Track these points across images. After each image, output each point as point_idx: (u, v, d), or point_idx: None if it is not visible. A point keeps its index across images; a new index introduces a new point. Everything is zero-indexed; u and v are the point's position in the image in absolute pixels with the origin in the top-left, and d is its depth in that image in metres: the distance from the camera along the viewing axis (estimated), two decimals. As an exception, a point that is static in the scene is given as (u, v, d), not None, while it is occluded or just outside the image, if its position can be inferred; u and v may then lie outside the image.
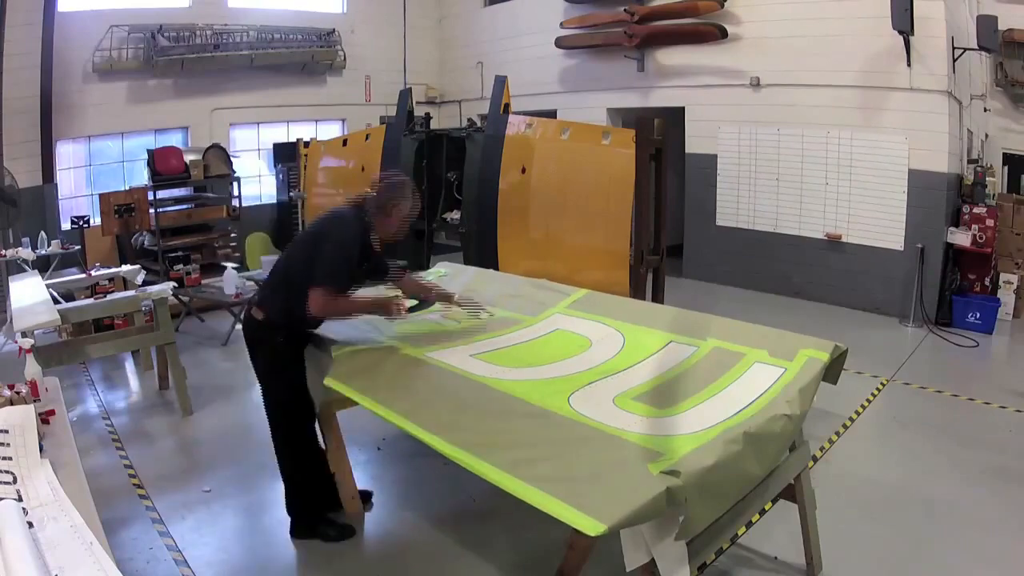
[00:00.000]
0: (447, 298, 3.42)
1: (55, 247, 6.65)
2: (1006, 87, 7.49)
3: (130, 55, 8.25)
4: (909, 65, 6.43)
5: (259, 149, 9.88)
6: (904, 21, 6.09)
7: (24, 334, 3.44)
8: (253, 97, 9.36)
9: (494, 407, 2.39)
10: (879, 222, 6.90)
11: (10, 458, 1.86)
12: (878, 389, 5.04)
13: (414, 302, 3.37)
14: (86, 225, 7.24)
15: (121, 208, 7.21)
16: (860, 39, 6.74)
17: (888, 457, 4.04)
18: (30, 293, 4.40)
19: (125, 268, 5.75)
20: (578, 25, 8.96)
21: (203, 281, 6.58)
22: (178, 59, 8.41)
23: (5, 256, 6.43)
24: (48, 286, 4.77)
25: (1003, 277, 6.74)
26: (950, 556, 3.01)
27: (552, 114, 9.15)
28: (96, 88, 8.12)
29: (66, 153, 8.19)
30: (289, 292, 2.89)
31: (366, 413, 2.52)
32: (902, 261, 6.73)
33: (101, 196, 7.35)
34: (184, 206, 8.15)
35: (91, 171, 8.52)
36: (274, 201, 9.69)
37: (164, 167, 7.51)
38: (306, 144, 8.74)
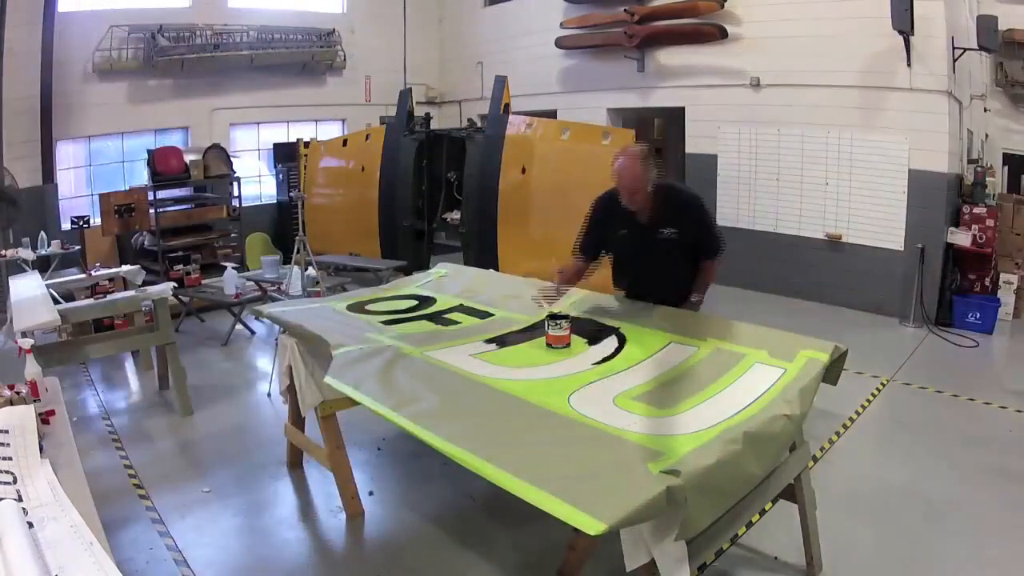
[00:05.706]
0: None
1: (55, 247, 6.64)
2: (1006, 87, 7.48)
3: (130, 55, 8.25)
4: (909, 65, 6.43)
5: (259, 149, 9.88)
6: (904, 21, 6.09)
7: (24, 334, 3.44)
8: (253, 97, 9.36)
9: (494, 407, 2.39)
10: (879, 222, 6.89)
11: (10, 458, 1.86)
12: (878, 389, 5.04)
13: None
14: (86, 225, 7.24)
15: (121, 208, 7.22)
16: (860, 39, 6.73)
17: (888, 457, 4.04)
18: (30, 293, 4.40)
19: (125, 268, 5.74)
20: (578, 25, 8.95)
21: (203, 281, 6.57)
22: (178, 59, 8.41)
23: (5, 256, 6.42)
24: (48, 286, 4.77)
25: (1003, 277, 6.73)
26: (950, 556, 3.01)
27: (552, 114, 9.14)
28: (96, 88, 8.12)
29: (66, 153, 8.19)
30: None
31: (366, 413, 2.52)
32: (902, 261, 6.73)
33: (101, 196, 7.36)
34: (184, 206, 8.15)
35: (91, 171, 8.51)
36: (274, 201, 9.69)
37: (164, 167, 7.52)
38: (306, 144, 8.76)
